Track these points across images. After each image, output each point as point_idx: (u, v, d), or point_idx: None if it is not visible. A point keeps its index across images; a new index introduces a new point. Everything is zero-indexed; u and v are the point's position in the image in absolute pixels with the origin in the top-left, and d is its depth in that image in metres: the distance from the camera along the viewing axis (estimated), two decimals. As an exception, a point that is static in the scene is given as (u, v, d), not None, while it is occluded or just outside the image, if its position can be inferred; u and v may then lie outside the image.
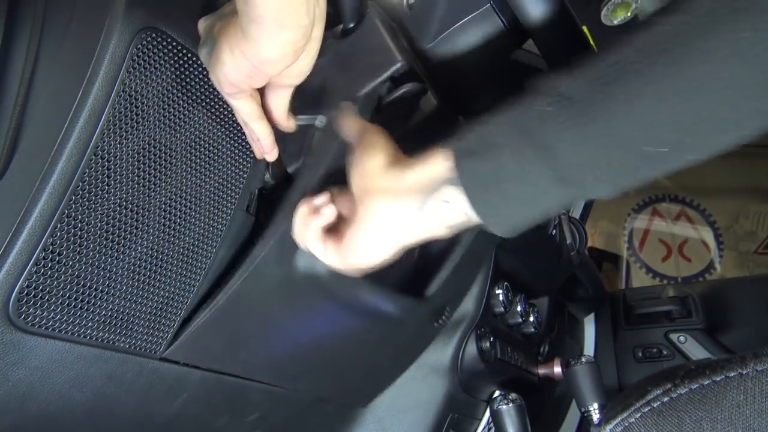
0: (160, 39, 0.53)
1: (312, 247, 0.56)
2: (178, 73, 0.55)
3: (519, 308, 1.09)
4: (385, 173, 0.52)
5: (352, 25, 0.66)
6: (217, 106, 0.59)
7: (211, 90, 0.58)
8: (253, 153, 0.64)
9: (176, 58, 0.55)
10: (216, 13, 0.53)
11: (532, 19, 0.56)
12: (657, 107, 0.41)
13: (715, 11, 0.40)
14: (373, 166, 0.53)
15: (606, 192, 0.45)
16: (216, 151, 0.60)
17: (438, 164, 0.50)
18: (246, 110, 0.56)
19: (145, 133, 0.53)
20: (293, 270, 0.63)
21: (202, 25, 0.54)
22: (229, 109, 0.61)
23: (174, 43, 0.54)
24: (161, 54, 0.53)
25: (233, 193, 0.63)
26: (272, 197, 0.70)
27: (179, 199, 0.57)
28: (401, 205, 0.51)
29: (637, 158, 0.43)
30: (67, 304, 0.50)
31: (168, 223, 0.56)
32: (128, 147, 0.52)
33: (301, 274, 0.63)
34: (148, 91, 0.52)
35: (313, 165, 0.61)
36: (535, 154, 0.45)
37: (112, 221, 0.52)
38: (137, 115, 0.52)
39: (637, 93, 0.41)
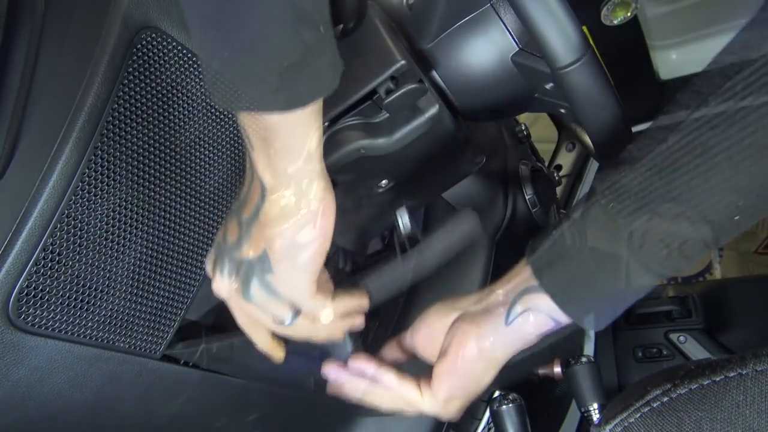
0: (160, 39, 0.53)
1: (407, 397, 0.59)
2: (178, 73, 0.55)
3: (519, 308, 1.09)
4: (467, 311, 0.56)
5: (352, 25, 0.66)
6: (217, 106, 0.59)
7: (211, 90, 0.58)
8: (253, 153, 0.64)
9: (176, 58, 0.55)
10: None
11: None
12: (718, 180, 0.42)
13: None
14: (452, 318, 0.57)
15: (686, 266, 0.47)
16: (216, 151, 0.60)
17: (516, 279, 0.53)
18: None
19: (145, 133, 0.53)
20: None
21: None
22: (229, 109, 0.61)
23: (174, 43, 0.54)
24: (161, 54, 0.53)
25: (233, 193, 0.63)
26: None
27: (179, 199, 0.57)
28: (488, 330, 0.53)
29: (709, 229, 0.44)
30: (67, 304, 0.50)
31: (168, 223, 0.56)
32: (128, 147, 0.52)
33: None
34: (147, 91, 0.52)
35: None
36: (607, 251, 0.47)
37: (111, 221, 0.52)
38: (137, 115, 0.52)
39: (700, 169, 0.43)
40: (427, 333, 0.60)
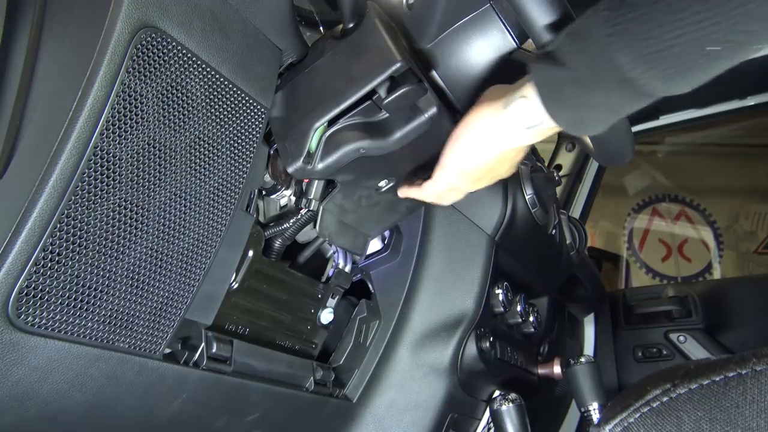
0: (159, 39, 0.53)
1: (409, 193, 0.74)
2: (178, 73, 0.55)
3: (519, 308, 1.09)
4: (493, 91, 0.62)
5: (351, 25, 0.66)
6: (217, 107, 0.59)
7: (210, 90, 0.58)
8: (253, 153, 0.64)
9: (176, 58, 0.55)
10: None
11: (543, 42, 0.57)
12: (702, 15, 0.43)
13: None
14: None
15: (665, 89, 0.49)
16: (216, 151, 0.60)
17: (526, 77, 0.57)
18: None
19: (144, 133, 0.53)
20: None
21: None
22: (229, 109, 0.61)
23: (174, 43, 0.54)
24: (161, 54, 0.53)
25: (233, 193, 0.63)
26: None
27: (179, 199, 0.57)
28: (491, 107, 0.60)
29: (693, 56, 0.46)
30: (67, 304, 0.50)
31: (168, 223, 0.56)
32: (128, 147, 0.52)
33: None
34: (147, 91, 0.52)
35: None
36: (596, 58, 0.49)
37: (111, 221, 0.52)
38: (137, 114, 0.52)
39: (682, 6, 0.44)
40: None
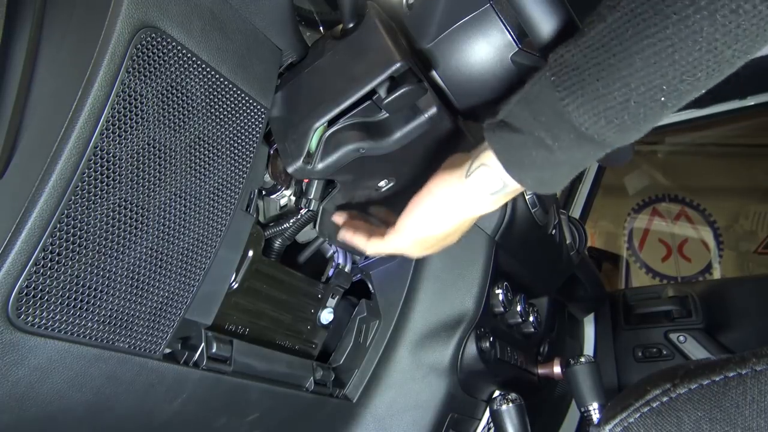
0: (159, 39, 0.53)
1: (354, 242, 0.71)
2: (178, 73, 0.55)
3: (519, 308, 1.09)
4: (450, 160, 0.63)
5: (351, 25, 0.66)
6: (217, 107, 0.59)
7: (210, 90, 0.58)
8: (253, 153, 0.64)
9: (176, 58, 0.55)
10: None
11: (543, 37, 0.57)
12: (642, 64, 0.45)
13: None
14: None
15: (621, 140, 0.50)
16: (216, 151, 0.60)
17: (482, 145, 0.58)
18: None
19: (144, 133, 0.53)
20: None
21: None
22: (229, 109, 0.61)
23: (174, 43, 0.54)
24: (161, 54, 0.53)
25: (233, 193, 0.63)
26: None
27: (179, 199, 0.57)
28: (452, 176, 0.60)
29: (638, 107, 0.47)
30: (67, 304, 0.50)
31: (168, 223, 0.56)
32: (128, 147, 0.52)
33: None
34: (147, 91, 0.52)
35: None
36: (552, 121, 0.50)
37: (111, 221, 0.52)
38: (137, 115, 0.52)
39: (623, 57, 0.46)
40: None
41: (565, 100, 0.49)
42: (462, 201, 0.60)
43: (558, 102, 0.49)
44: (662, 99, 0.45)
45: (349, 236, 0.72)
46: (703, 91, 0.46)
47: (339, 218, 0.75)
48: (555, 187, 0.56)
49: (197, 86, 0.57)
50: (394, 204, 0.82)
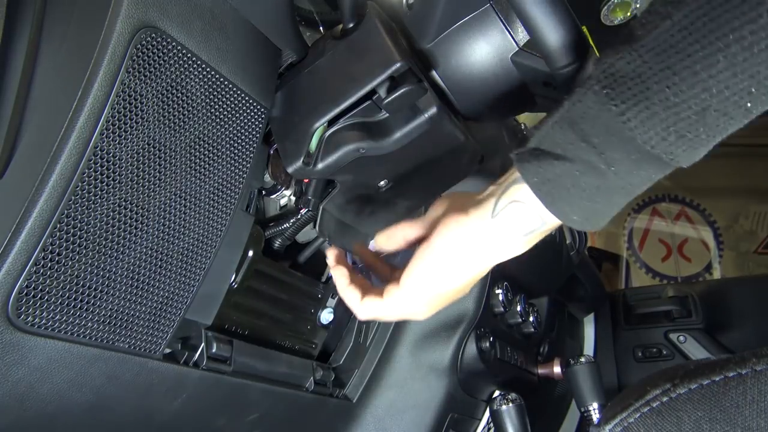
0: (159, 39, 0.53)
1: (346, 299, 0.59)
2: (178, 73, 0.55)
3: (519, 308, 1.09)
4: (458, 200, 0.53)
5: (351, 25, 0.66)
6: (217, 107, 0.59)
7: (210, 90, 0.58)
8: (253, 153, 0.64)
9: (176, 58, 0.55)
10: None
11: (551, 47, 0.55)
12: (727, 64, 0.38)
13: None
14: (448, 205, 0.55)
15: (688, 158, 0.43)
16: (216, 151, 0.60)
17: (511, 173, 0.49)
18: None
19: (144, 133, 0.53)
20: None
21: None
22: (229, 109, 0.61)
23: (174, 43, 0.54)
24: (161, 54, 0.53)
25: (233, 193, 0.63)
26: None
27: (179, 199, 0.57)
28: (474, 217, 0.50)
29: (718, 116, 0.40)
30: (67, 304, 0.50)
31: (168, 223, 0.56)
32: (128, 147, 0.52)
33: None
34: (147, 91, 0.52)
35: None
36: (608, 141, 0.43)
37: (111, 221, 0.52)
38: (137, 115, 0.52)
39: (703, 56, 0.38)
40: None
41: (625, 115, 0.41)
42: (488, 246, 0.51)
43: (615, 118, 0.42)
44: (748, 104, 0.39)
45: (340, 286, 0.59)
46: None
47: (331, 260, 0.61)
48: (603, 221, 0.48)
49: (197, 86, 0.57)
50: (394, 207, 0.82)
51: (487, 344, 0.98)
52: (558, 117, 0.46)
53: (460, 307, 0.95)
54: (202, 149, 0.58)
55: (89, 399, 0.55)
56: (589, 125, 0.43)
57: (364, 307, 0.57)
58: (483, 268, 0.54)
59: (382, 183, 0.76)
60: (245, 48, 0.61)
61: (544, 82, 0.64)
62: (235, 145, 0.62)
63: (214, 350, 0.65)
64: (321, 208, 0.74)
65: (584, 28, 0.56)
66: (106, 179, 0.51)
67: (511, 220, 0.49)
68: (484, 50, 0.66)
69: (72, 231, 0.49)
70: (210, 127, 0.59)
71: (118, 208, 0.52)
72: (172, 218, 0.57)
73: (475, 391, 1.02)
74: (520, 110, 0.78)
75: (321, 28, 0.79)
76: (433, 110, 0.67)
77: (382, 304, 0.56)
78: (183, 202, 0.57)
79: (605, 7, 0.58)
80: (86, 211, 0.50)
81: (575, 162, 0.45)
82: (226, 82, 0.59)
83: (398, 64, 0.61)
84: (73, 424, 0.56)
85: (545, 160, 0.46)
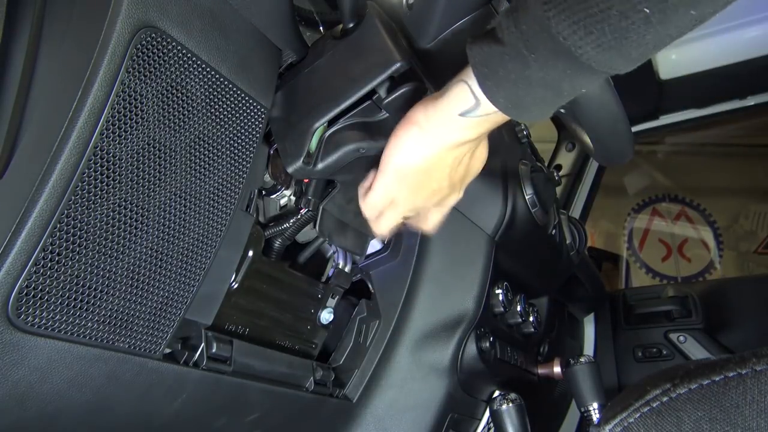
0: (159, 39, 0.53)
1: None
2: (178, 72, 0.55)
3: (519, 308, 1.09)
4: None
5: (351, 25, 0.66)
6: (217, 107, 0.59)
7: (210, 90, 0.58)
8: (253, 153, 0.64)
9: (176, 58, 0.55)
10: None
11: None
12: None
13: None
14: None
15: (601, 61, 0.46)
16: (216, 151, 0.60)
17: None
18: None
19: (144, 133, 0.53)
20: None
21: None
22: (229, 109, 0.61)
23: (174, 43, 0.54)
24: (161, 54, 0.53)
25: (233, 193, 0.63)
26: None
27: (179, 199, 0.57)
28: (428, 98, 0.57)
29: (620, 18, 0.43)
30: (67, 304, 0.50)
31: (168, 223, 0.56)
32: (128, 147, 0.52)
33: None
34: (147, 91, 0.52)
35: None
36: (531, 29, 0.47)
37: (111, 221, 0.52)
38: (137, 115, 0.52)
39: None
40: None
41: (547, 5, 0.45)
42: (435, 121, 0.57)
43: (540, 7, 0.46)
44: (645, 10, 0.41)
45: (360, 194, 0.70)
46: (693, 13, 0.42)
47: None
48: (527, 112, 0.53)
49: (197, 86, 0.57)
50: None
51: (487, 344, 0.98)
52: (510, 6, 0.51)
53: (460, 307, 0.95)
54: (202, 149, 0.59)
55: (89, 399, 0.55)
56: (522, 14, 0.48)
57: (365, 205, 0.68)
58: (438, 146, 0.59)
59: None
60: (245, 48, 0.61)
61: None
62: (235, 145, 0.62)
63: (214, 350, 0.65)
64: (321, 208, 0.74)
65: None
66: (106, 179, 0.51)
67: (452, 97, 0.55)
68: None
69: (72, 231, 0.49)
70: (210, 127, 0.59)
71: (118, 208, 0.52)
72: (172, 218, 0.57)
73: (475, 391, 1.02)
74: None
75: (321, 28, 0.79)
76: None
77: (373, 192, 0.66)
78: (183, 202, 0.57)
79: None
80: (86, 211, 0.50)
81: (506, 46, 0.49)
82: (226, 82, 0.59)
83: (398, 64, 0.61)
84: (73, 424, 0.56)
85: (489, 42, 0.51)
